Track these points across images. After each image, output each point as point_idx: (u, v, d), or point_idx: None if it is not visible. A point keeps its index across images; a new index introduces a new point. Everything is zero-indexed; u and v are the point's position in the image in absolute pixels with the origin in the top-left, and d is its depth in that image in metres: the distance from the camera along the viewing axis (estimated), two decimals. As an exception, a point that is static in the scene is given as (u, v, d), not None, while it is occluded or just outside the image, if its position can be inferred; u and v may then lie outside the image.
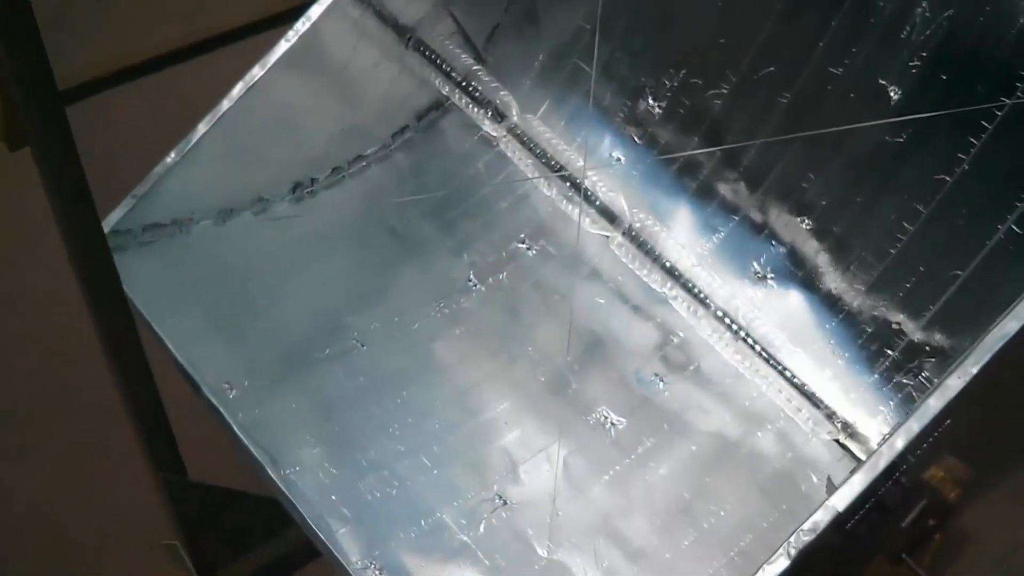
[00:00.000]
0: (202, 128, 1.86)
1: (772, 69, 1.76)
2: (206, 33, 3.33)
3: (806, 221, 1.80)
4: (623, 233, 1.92)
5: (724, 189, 1.87)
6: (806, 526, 1.26)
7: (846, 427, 1.66)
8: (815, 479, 1.67)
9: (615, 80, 2.00)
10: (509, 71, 2.11)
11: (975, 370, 1.29)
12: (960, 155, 1.56)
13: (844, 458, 1.68)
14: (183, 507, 1.71)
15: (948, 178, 1.59)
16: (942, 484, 1.46)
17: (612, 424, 1.78)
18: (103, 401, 1.69)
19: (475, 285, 1.95)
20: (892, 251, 1.70)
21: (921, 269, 1.67)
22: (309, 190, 2.05)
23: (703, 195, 1.90)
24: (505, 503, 1.67)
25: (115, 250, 1.56)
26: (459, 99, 2.12)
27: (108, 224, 1.80)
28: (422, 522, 1.61)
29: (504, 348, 1.87)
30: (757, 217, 1.84)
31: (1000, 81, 1.49)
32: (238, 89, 1.86)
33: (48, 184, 1.22)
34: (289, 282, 1.90)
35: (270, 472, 1.57)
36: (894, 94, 1.64)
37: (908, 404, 1.68)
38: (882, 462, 1.27)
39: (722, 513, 1.64)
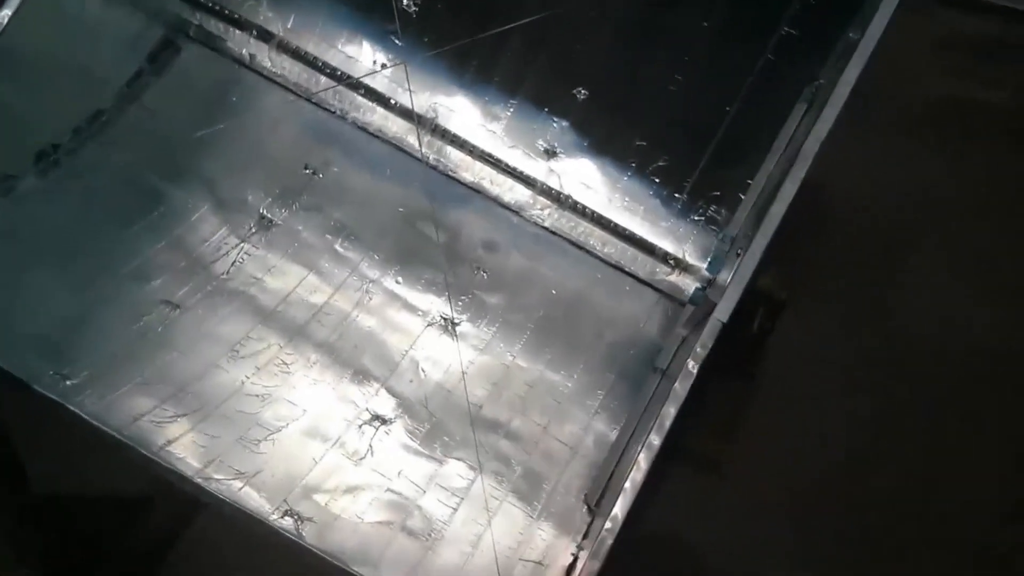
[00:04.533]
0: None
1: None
2: None
3: (581, 91, 1.92)
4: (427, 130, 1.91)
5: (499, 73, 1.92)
6: (700, 342, 1.41)
7: (676, 261, 1.82)
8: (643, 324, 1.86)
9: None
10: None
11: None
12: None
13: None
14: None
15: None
16: (772, 289, 1.69)
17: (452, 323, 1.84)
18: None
19: (272, 221, 1.89)
20: (660, 106, 1.88)
21: (689, 120, 1.87)
22: (53, 158, 1.82)
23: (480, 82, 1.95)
24: (383, 422, 1.68)
25: None
26: (210, 24, 1.96)
27: None
28: (313, 459, 1.58)
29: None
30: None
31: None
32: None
33: None
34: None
35: (145, 453, 1.45)
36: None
37: (707, 237, 1.88)
38: (745, 274, 1.43)
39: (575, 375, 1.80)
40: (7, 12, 1.59)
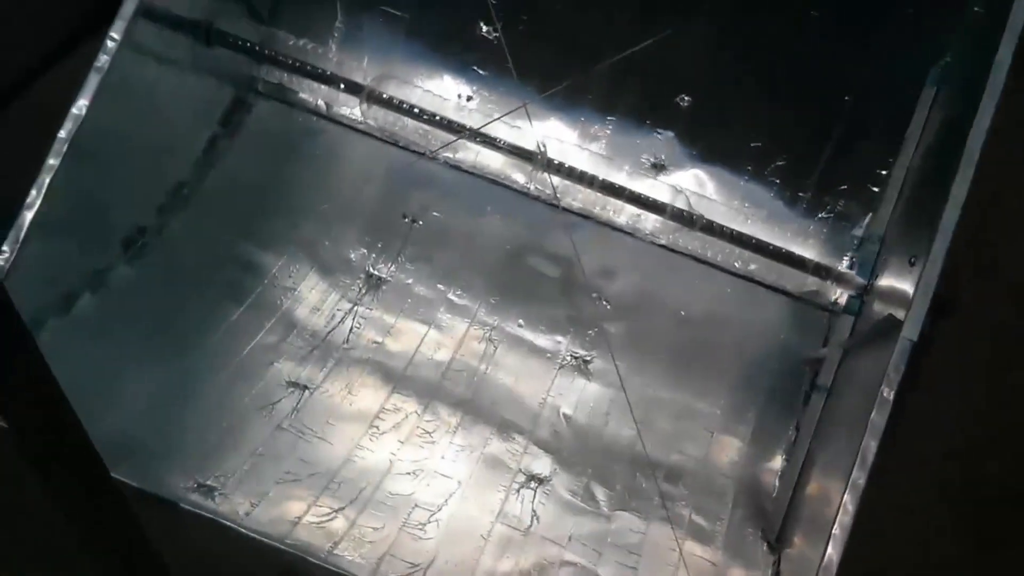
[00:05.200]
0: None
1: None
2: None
3: (684, 98, 1.81)
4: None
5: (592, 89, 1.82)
6: (892, 365, 1.31)
7: (812, 265, 1.70)
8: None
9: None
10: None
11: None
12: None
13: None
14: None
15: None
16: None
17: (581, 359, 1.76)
18: None
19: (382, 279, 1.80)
20: (771, 104, 1.77)
21: (804, 114, 1.76)
22: (141, 243, 1.71)
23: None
24: (540, 481, 1.60)
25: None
26: (280, 76, 1.85)
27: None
28: (482, 537, 1.49)
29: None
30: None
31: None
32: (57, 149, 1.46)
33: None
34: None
35: (317, 562, 1.35)
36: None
37: (838, 235, 1.78)
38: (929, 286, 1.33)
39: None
40: (84, 102, 1.48)
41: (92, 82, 1.45)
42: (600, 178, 1.76)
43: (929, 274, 1.34)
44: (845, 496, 1.31)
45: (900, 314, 1.36)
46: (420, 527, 1.47)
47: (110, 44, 1.46)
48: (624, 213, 1.83)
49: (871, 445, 1.32)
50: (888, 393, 1.33)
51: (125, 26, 1.47)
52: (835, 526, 1.31)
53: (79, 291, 1.58)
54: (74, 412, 1.05)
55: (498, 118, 1.68)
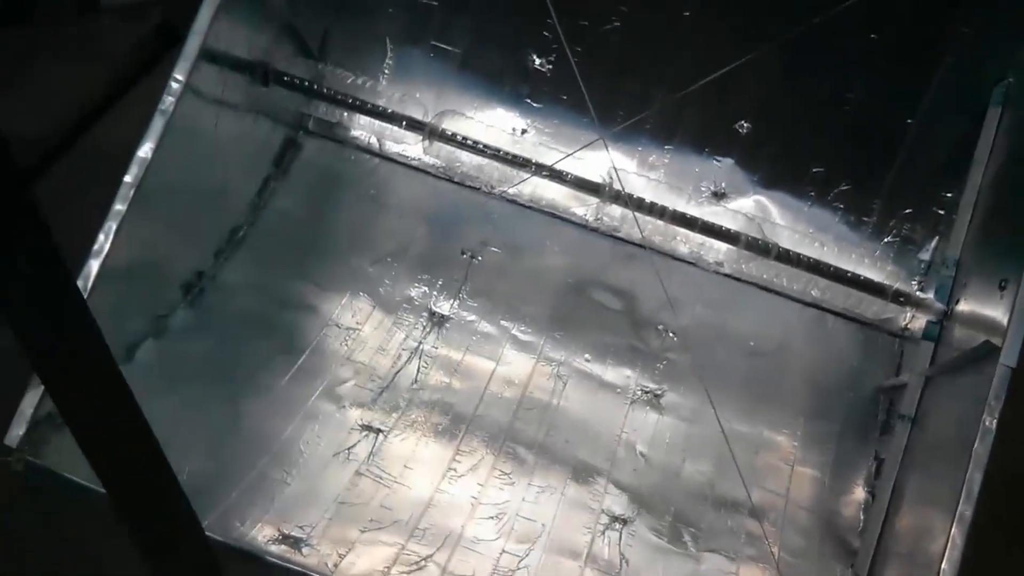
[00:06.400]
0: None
1: None
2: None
3: (743, 124, 1.79)
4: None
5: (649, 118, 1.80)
6: (993, 393, 1.29)
7: (883, 290, 1.67)
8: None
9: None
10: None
11: None
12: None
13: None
14: None
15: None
16: None
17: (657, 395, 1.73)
18: None
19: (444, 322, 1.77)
20: (833, 129, 1.75)
21: (867, 139, 1.74)
22: (199, 287, 1.68)
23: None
24: (624, 523, 1.56)
25: (39, 443, 1.27)
26: (331, 114, 1.82)
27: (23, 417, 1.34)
28: None
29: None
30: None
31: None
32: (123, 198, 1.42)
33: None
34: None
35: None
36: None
37: (905, 258, 1.76)
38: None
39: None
40: (149, 145, 1.44)
41: (157, 125, 1.42)
42: (659, 206, 1.73)
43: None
44: (953, 530, 1.28)
45: (986, 339, 1.33)
46: (510, 573, 1.43)
47: (174, 85, 1.43)
48: (688, 243, 1.80)
49: (976, 477, 1.29)
50: (990, 422, 1.31)
51: (189, 67, 1.43)
52: (943, 562, 1.27)
53: (141, 339, 1.54)
54: (171, 471, 1.01)
55: (571, 154, 1.66)
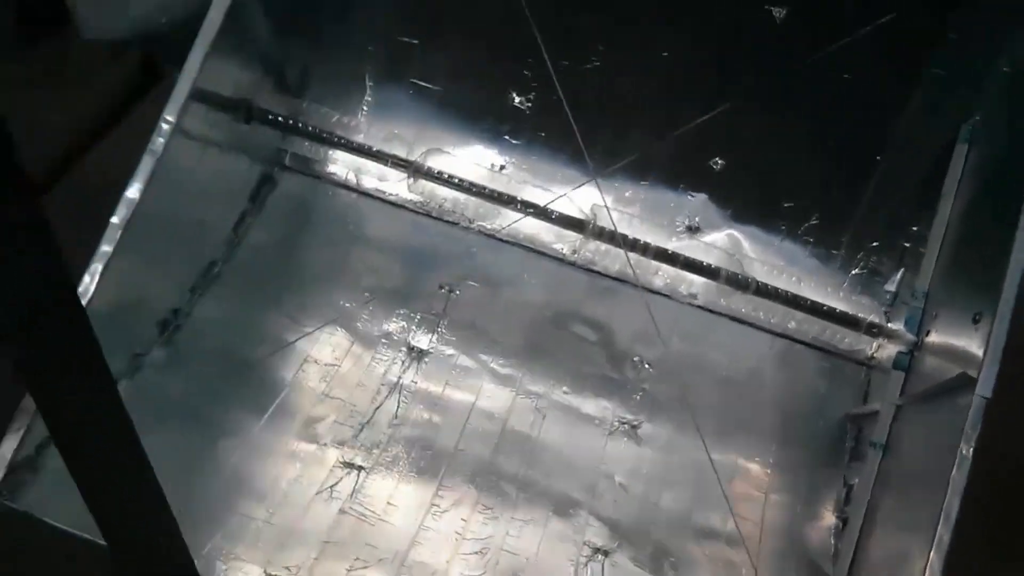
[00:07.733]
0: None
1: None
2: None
3: (717, 161, 1.83)
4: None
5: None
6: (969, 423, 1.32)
7: (852, 321, 1.72)
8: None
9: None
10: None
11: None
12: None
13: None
14: None
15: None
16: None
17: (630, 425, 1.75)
18: None
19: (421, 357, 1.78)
20: (804, 165, 1.80)
21: (836, 175, 1.80)
22: (175, 324, 1.67)
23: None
24: (605, 554, 1.57)
25: (20, 487, 1.26)
26: (308, 149, 1.83)
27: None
28: None
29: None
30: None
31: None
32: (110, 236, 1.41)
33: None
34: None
35: None
36: (777, 14, 1.70)
37: (872, 290, 1.81)
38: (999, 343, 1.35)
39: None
40: (138, 186, 1.44)
41: (146, 165, 1.42)
42: (633, 239, 1.76)
43: (998, 333, 1.36)
44: (931, 554, 1.32)
45: (962, 371, 1.38)
46: None
47: (164, 127, 1.43)
48: (660, 275, 1.83)
49: (954, 502, 1.33)
50: (967, 451, 1.34)
51: (179, 108, 1.44)
52: (922, 591, 1.30)
53: (118, 379, 1.52)
54: (174, 521, 1.00)
55: (563, 195, 1.70)
